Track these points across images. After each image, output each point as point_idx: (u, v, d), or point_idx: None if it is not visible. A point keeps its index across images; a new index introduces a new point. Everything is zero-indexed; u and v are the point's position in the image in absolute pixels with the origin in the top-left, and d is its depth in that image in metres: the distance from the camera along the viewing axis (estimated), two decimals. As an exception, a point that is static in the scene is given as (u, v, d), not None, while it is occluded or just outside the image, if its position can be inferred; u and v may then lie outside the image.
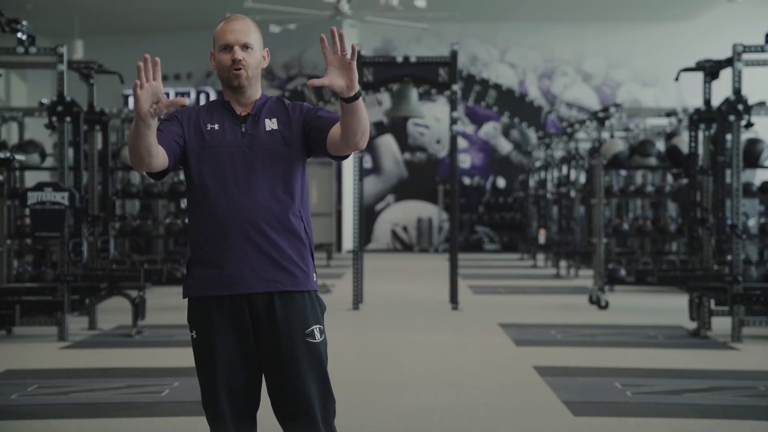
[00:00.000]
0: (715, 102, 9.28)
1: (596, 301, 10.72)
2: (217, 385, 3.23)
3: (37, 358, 7.45)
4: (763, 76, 14.37)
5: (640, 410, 5.59)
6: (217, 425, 3.25)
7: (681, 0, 20.89)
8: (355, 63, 3.04)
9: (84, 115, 8.90)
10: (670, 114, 12.59)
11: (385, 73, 12.42)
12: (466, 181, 23.02)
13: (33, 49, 8.45)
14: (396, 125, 22.24)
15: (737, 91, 8.65)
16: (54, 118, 8.67)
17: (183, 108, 3.16)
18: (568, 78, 23.09)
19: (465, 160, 22.98)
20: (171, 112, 3.12)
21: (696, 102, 14.77)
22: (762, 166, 9.59)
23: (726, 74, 9.26)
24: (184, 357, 7.03)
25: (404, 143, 23.13)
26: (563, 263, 16.56)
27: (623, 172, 14.45)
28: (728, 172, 8.71)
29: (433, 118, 22.65)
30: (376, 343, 8.41)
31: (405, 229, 23.35)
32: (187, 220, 3.34)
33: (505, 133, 23.22)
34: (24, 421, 5.32)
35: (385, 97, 21.66)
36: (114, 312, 9.97)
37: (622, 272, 11.10)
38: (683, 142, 11.04)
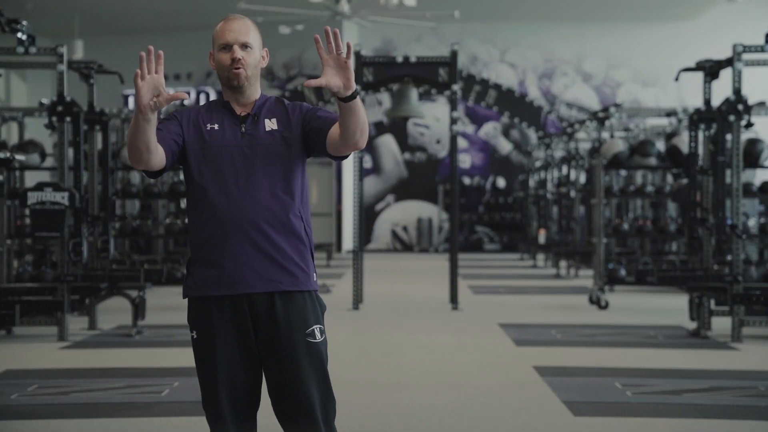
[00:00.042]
0: (715, 102, 9.28)
1: (596, 301, 10.72)
2: (217, 385, 3.23)
3: (37, 358, 7.45)
4: (763, 76, 14.38)
5: (640, 410, 5.59)
6: (217, 425, 3.25)
7: (681, 0, 20.89)
8: (351, 62, 3.04)
9: (84, 115, 8.90)
10: (670, 114, 12.59)
11: (385, 73, 12.42)
12: (466, 181, 23.02)
13: (33, 49, 8.45)
14: (396, 125, 22.24)
15: (737, 91, 8.65)
16: (54, 118, 8.67)
17: (183, 108, 3.16)
18: (568, 78, 23.09)
19: (465, 160, 22.98)
20: (171, 111, 3.13)
21: (696, 102, 14.78)
22: (762, 166, 9.59)
23: (726, 74, 9.26)
24: (184, 357, 7.03)
25: (404, 143, 23.14)
26: (563, 263, 16.56)
27: (623, 172, 14.45)
28: (728, 172, 8.72)
29: (433, 118, 22.65)
30: (376, 343, 8.41)
31: (405, 229, 23.35)
32: (186, 220, 3.34)
33: (505, 133, 23.22)
34: (24, 421, 5.32)
35: (385, 97, 21.66)
36: (114, 312, 9.97)
37: (622, 272, 11.10)
38: (683, 142, 11.05)
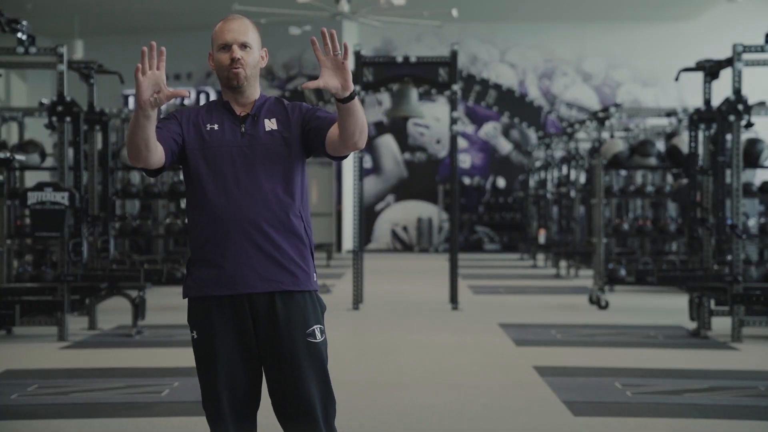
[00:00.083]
0: (715, 102, 9.28)
1: (596, 301, 10.72)
2: (217, 385, 3.23)
3: (37, 358, 7.45)
4: (763, 76, 14.38)
5: (640, 410, 5.59)
6: (218, 425, 3.25)
7: (681, 0, 20.89)
8: (348, 62, 3.04)
9: (84, 115, 8.90)
10: (670, 114, 12.59)
11: (385, 73, 12.42)
12: (466, 181, 23.02)
13: (33, 49, 8.45)
14: (396, 125, 22.24)
15: (737, 91, 8.65)
16: (54, 118, 8.67)
17: (183, 108, 3.16)
18: (568, 78, 23.09)
19: (465, 160, 22.98)
20: (171, 111, 3.12)
21: (696, 102, 14.78)
22: (762, 166, 9.59)
23: (726, 74, 9.26)
24: (184, 357, 7.03)
25: (404, 143, 23.14)
26: (563, 263, 16.56)
27: (623, 172, 14.45)
28: (728, 172, 8.71)
29: (433, 118, 22.65)
30: (376, 343, 8.41)
31: (405, 229, 23.35)
32: (186, 220, 3.33)
33: (505, 133, 23.22)
34: (24, 421, 5.32)
35: (385, 97, 21.66)
36: (114, 312, 9.97)
37: (622, 272, 11.10)
38: (683, 142, 11.05)
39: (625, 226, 12.44)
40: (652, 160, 11.71)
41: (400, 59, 11.25)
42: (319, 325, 3.27)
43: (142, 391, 6.10)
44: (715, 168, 8.81)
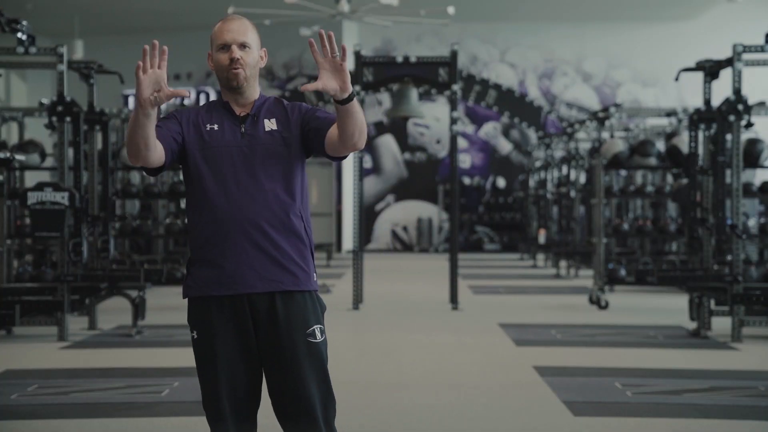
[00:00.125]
0: (715, 102, 9.28)
1: (596, 301, 10.72)
2: (217, 385, 3.23)
3: (37, 358, 7.45)
4: (763, 76, 14.38)
5: (640, 410, 5.59)
6: (218, 425, 3.25)
7: (681, 0, 20.89)
8: (346, 64, 3.04)
9: (84, 115, 8.90)
10: (670, 114, 12.59)
11: (385, 73, 12.42)
12: (466, 181, 23.02)
13: (33, 49, 8.45)
14: (396, 125, 22.24)
15: (737, 91, 8.65)
16: (54, 118, 8.67)
17: (182, 108, 3.16)
18: (568, 78, 23.09)
19: (465, 160, 22.99)
20: (170, 110, 3.12)
21: (696, 102, 14.78)
22: (762, 166, 9.59)
23: (726, 74, 9.26)
24: (184, 357, 7.03)
25: (404, 143, 23.14)
26: (563, 263, 16.56)
27: (623, 172, 14.45)
28: (728, 172, 8.71)
29: (433, 118, 22.65)
30: (376, 343, 8.41)
31: (405, 229, 23.35)
32: (186, 220, 3.33)
33: (505, 133, 23.22)
34: (24, 421, 5.32)
35: (385, 97, 21.66)
36: (114, 312, 9.97)
37: (622, 272, 11.10)
38: (683, 142, 11.04)
39: (625, 226, 12.44)
40: (652, 160, 11.71)
41: (400, 59, 11.25)
42: (319, 325, 3.27)
43: (142, 391, 6.10)
44: (715, 168, 8.81)
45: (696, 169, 9.54)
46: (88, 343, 8.24)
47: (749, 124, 8.70)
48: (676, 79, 10.09)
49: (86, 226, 8.62)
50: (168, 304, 10.70)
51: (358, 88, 10.78)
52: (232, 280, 3.20)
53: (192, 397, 5.70)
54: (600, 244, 11.00)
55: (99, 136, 9.98)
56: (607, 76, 22.97)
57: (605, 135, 13.56)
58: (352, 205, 12.27)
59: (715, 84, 9.50)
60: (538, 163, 19.75)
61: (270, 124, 3.26)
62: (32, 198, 8.17)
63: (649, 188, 12.75)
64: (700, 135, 9.72)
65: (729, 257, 8.75)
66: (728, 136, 8.74)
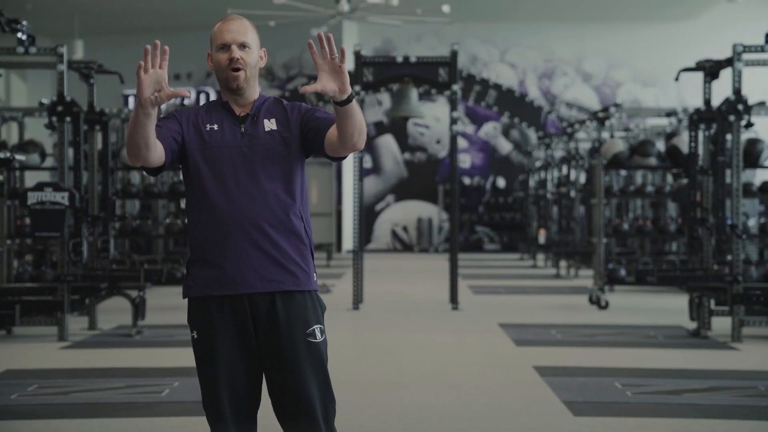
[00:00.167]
0: (715, 102, 9.28)
1: (596, 301, 10.72)
2: (217, 386, 3.23)
3: (37, 358, 7.45)
4: (763, 76, 14.37)
5: (640, 410, 5.59)
6: (218, 425, 3.25)
7: (681, 0, 20.89)
8: (345, 66, 3.04)
9: (84, 115, 8.90)
10: (670, 114, 12.59)
11: (385, 73, 12.43)
12: (466, 181, 23.03)
13: (33, 49, 8.45)
14: (396, 125, 22.24)
15: (737, 91, 8.65)
16: (54, 118, 8.67)
17: (182, 108, 3.16)
18: (568, 78, 23.09)
19: (465, 160, 22.99)
20: (170, 110, 3.12)
21: (696, 102, 14.78)
22: (762, 166, 9.59)
23: (726, 74, 9.26)
24: (184, 357, 7.03)
25: (404, 143, 23.14)
26: (563, 263, 16.56)
27: (623, 172, 14.45)
28: (728, 172, 8.72)
29: (433, 118, 22.65)
30: (376, 343, 8.41)
31: (405, 229, 23.35)
32: (186, 220, 3.33)
33: (505, 133, 23.22)
34: (24, 421, 5.32)
35: (385, 97, 21.66)
36: (114, 312, 9.97)
37: (622, 272, 11.10)
38: (683, 142, 11.04)
39: (625, 226, 12.45)
40: (652, 160, 11.71)
41: (400, 59, 11.25)
42: (319, 325, 3.27)
43: (142, 391, 6.10)
44: (715, 168, 8.81)
45: (696, 169, 9.54)
46: (88, 343, 8.24)
47: (749, 124, 8.70)
48: (676, 79, 10.09)
49: (86, 226, 8.62)
50: (168, 304, 10.70)
51: (358, 88, 10.78)
52: (232, 280, 3.20)
53: (192, 397, 5.70)
54: (600, 244, 11.00)
55: (99, 136, 9.98)
56: (607, 76, 22.97)
57: (605, 135, 13.56)
58: (352, 205, 12.27)
59: (715, 84, 9.50)
60: (538, 163, 19.75)
61: (270, 124, 3.26)
62: (32, 198, 8.17)
63: (649, 188, 12.76)
64: (700, 135, 9.72)
65: (729, 257, 8.75)
66: (728, 136, 8.74)
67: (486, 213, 23.13)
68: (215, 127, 3.26)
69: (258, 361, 3.25)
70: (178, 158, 3.26)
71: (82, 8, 19.83)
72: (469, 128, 23.11)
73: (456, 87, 10.88)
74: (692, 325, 8.88)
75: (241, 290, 3.20)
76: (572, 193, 15.91)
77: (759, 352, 7.79)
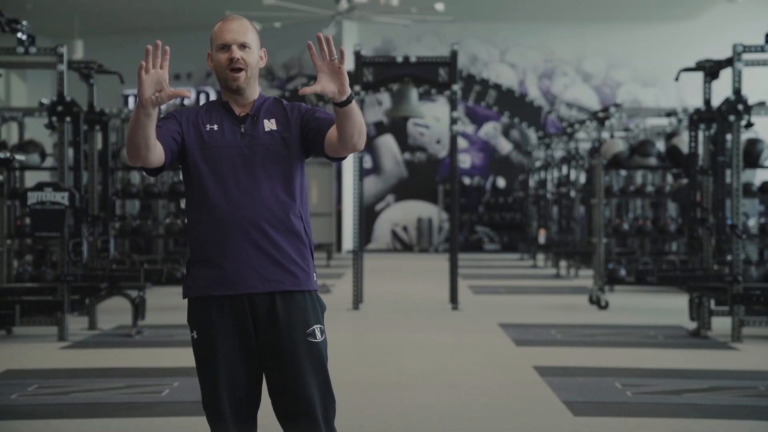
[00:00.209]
0: (715, 102, 9.28)
1: (596, 301, 10.72)
2: (217, 386, 3.23)
3: (37, 358, 7.45)
4: (763, 76, 14.38)
5: (640, 410, 5.59)
6: (218, 425, 3.25)
7: (681, 0, 20.89)
8: (344, 67, 3.04)
9: (84, 115, 8.90)
10: (670, 114, 12.59)
11: (385, 73, 12.43)
12: (466, 181, 23.03)
13: (33, 49, 8.45)
14: (396, 125, 22.24)
15: (737, 91, 8.65)
16: (54, 118, 8.67)
17: (182, 108, 3.16)
18: (568, 78, 23.09)
19: (465, 160, 22.99)
20: (170, 110, 3.12)
21: (696, 102, 14.78)
22: (762, 166, 9.59)
23: (726, 74, 9.26)
24: (184, 357, 7.03)
25: (404, 143, 23.14)
26: (563, 263, 16.56)
27: (623, 172, 14.45)
28: (728, 172, 8.72)
29: (433, 118, 22.65)
30: (376, 343, 8.41)
31: (405, 229, 23.35)
32: (186, 220, 3.32)
33: (505, 133, 23.22)
34: (24, 421, 5.32)
35: (385, 97, 21.66)
36: (114, 312, 9.97)
37: (622, 272, 11.10)
38: (683, 142, 11.04)
39: (625, 226, 12.44)
40: (652, 160, 11.71)
41: (400, 59, 11.25)
42: (319, 325, 3.27)
43: (142, 391, 6.10)
44: (715, 168, 8.81)
45: (696, 169, 9.54)
46: (88, 343, 8.24)
47: (749, 124, 8.70)
48: (676, 79, 10.09)
49: (86, 226, 8.62)
50: (168, 304, 10.70)
51: (358, 88, 10.78)
52: (232, 280, 3.20)
53: (192, 397, 5.70)
54: (600, 244, 11.00)
55: (99, 136, 9.98)
56: (607, 76, 22.97)
57: (605, 135, 13.56)
58: (352, 205, 12.27)
59: (715, 84, 9.50)
60: (538, 163, 19.75)
61: (270, 125, 3.26)
62: (32, 198, 8.17)
63: (649, 188, 12.75)
64: (700, 135, 9.72)
65: (729, 257, 8.75)
66: (728, 136, 8.74)
67: (486, 213, 23.13)
68: (215, 127, 3.26)
69: (258, 361, 3.25)
70: (177, 158, 3.25)
71: (82, 8, 19.83)
72: (469, 128, 23.11)
73: (456, 87, 10.88)
74: (692, 325, 8.88)
75: (241, 290, 3.20)
76: (572, 193, 15.91)
77: (759, 352, 7.79)
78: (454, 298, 10.68)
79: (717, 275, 9.07)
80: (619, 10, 21.72)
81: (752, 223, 10.65)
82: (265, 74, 21.75)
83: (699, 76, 9.60)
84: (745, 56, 8.66)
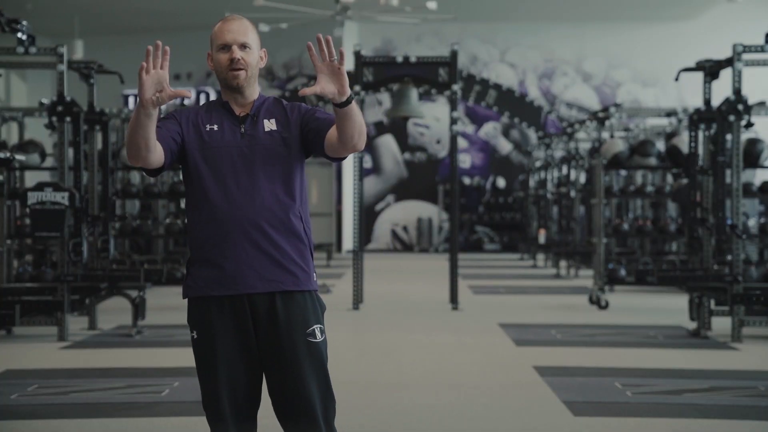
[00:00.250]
0: (715, 102, 9.28)
1: (596, 301, 10.72)
2: (217, 386, 3.23)
3: (37, 358, 7.45)
4: (763, 76, 14.37)
5: (640, 410, 5.59)
6: (218, 425, 3.25)
7: (681, 0, 20.89)
8: (344, 68, 3.04)
9: (84, 115, 8.90)
10: (670, 114, 12.59)
11: (385, 73, 12.42)
12: (466, 181, 23.02)
13: (33, 49, 8.45)
14: (396, 125, 22.24)
15: (737, 91, 8.65)
16: (54, 118, 8.67)
17: (182, 108, 3.16)
18: (568, 78, 23.09)
19: (465, 160, 22.98)
20: (170, 111, 3.12)
21: (696, 102, 14.78)
22: (762, 166, 9.59)
23: (726, 74, 9.26)
24: (184, 357, 7.03)
25: (404, 143, 23.14)
26: (563, 263, 16.56)
27: (623, 172, 14.45)
28: (728, 172, 8.72)
29: (433, 118, 22.65)
30: (376, 343, 8.41)
31: (405, 229, 23.35)
32: (186, 220, 3.32)
33: (505, 133, 23.22)
34: (24, 421, 5.32)
35: (385, 97, 21.66)
36: (114, 312, 9.97)
37: (622, 272, 11.10)
38: (683, 142, 11.04)
39: (625, 226, 12.44)
40: (652, 160, 11.71)
41: (400, 59, 11.25)
42: (319, 325, 3.27)
43: (142, 391, 6.10)
44: (715, 168, 8.81)
45: (696, 169, 9.54)
46: (88, 343, 8.25)
47: (749, 124, 8.70)
48: (676, 79, 10.09)
49: (86, 226, 8.62)
50: (168, 304, 10.70)
51: (358, 88, 10.78)
52: (232, 280, 3.20)
53: (192, 397, 5.70)
54: (600, 244, 11.00)
55: (99, 136, 9.98)
56: (607, 76, 22.97)
57: (605, 135, 13.56)
58: (352, 205, 12.27)
59: (715, 84, 9.50)
60: (538, 163, 19.75)
61: (270, 125, 3.26)
62: (32, 198, 8.17)
63: (649, 188, 12.75)
64: (700, 135, 9.72)
65: (729, 257, 8.75)
66: (728, 136, 8.74)
67: (486, 213, 23.13)
68: (215, 127, 3.26)
69: (258, 361, 3.25)
70: (177, 158, 3.25)
71: (82, 8, 19.83)
72: (469, 128, 23.11)
73: (456, 87, 10.88)
74: (692, 325, 8.88)
75: (241, 290, 3.20)
76: (572, 193, 15.91)
77: (759, 352, 7.79)
78: (454, 298, 10.68)
79: (717, 275, 9.07)
80: (619, 10, 21.73)
81: (752, 223, 10.65)
82: (265, 74, 21.75)
83: (699, 76, 9.60)
84: (745, 56, 8.66)
